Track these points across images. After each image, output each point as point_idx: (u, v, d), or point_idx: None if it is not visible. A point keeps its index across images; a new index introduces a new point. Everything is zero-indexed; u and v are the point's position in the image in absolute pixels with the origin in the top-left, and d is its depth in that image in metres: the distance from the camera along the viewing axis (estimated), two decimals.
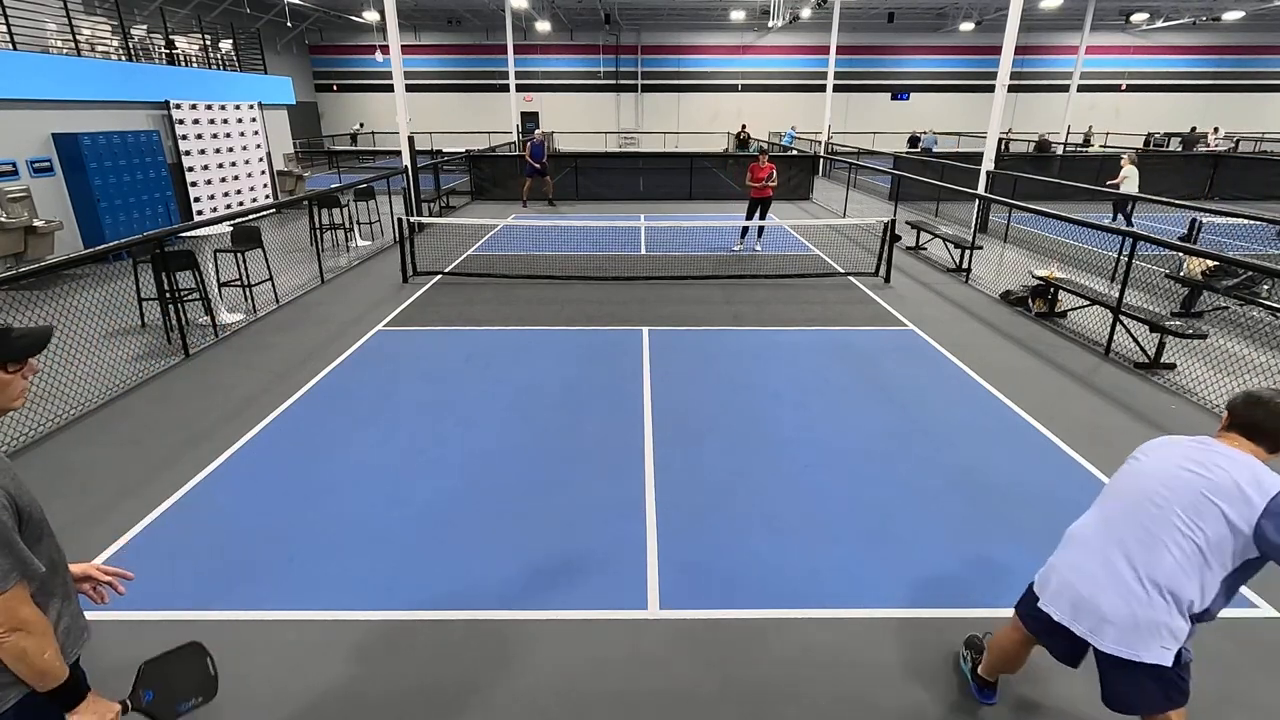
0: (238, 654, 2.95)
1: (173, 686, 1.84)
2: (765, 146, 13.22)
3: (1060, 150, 15.69)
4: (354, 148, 30.93)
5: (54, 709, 1.60)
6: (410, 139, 12.79)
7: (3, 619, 1.44)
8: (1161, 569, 1.93)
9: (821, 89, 24.70)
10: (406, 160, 12.84)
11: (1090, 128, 30.29)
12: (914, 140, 27.02)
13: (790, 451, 4.72)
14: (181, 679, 1.87)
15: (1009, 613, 3.22)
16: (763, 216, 11.14)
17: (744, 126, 28.60)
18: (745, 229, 11.43)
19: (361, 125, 33.36)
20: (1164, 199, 11.32)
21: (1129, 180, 12.29)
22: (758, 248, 11.49)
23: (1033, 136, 27.29)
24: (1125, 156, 12.81)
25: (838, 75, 24.46)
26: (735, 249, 11.44)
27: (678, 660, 2.93)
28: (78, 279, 9.22)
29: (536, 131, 17.58)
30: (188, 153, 12.32)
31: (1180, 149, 24.24)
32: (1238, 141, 25.01)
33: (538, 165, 15.85)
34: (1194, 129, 26.93)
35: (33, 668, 1.51)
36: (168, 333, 6.91)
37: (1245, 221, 12.01)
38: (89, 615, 1.87)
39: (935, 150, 23.59)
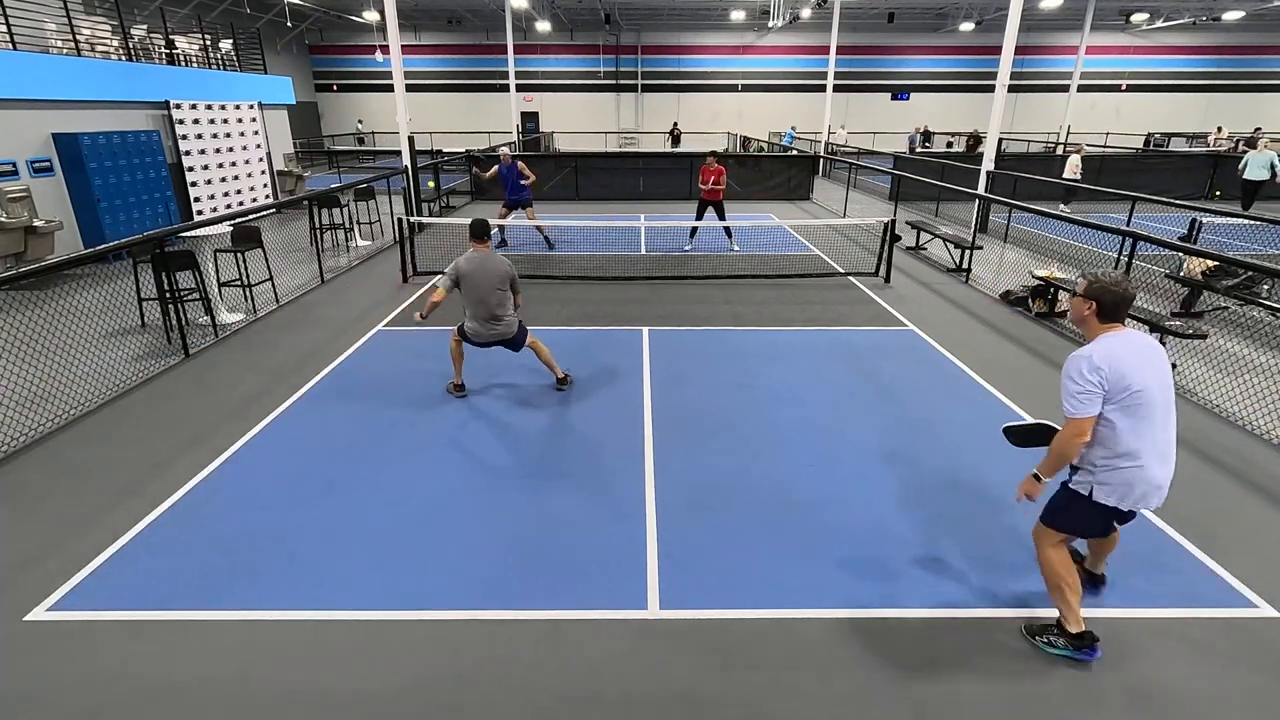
0: (237, 654, 2.95)
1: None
2: (717, 150, 12.92)
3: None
4: (359, 148, 31.00)
5: None
6: (410, 139, 12.79)
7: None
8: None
9: (821, 89, 24.69)
10: (406, 160, 12.84)
11: (1068, 129, 30.02)
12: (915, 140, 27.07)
13: (790, 451, 4.72)
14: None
15: (1009, 613, 3.22)
16: (721, 217, 11.08)
17: (675, 124, 31.61)
18: (694, 229, 11.49)
19: (361, 123, 33.41)
20: (1164, 199, 11.33)
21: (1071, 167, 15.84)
22: (735, 248, 11.46)
23: (1037, 136, 27.21)
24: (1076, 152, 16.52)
25: (838, 75, 24.45)
26: (685, 249, 11.41)
27: (678, 660, 2.93)
28: (78, 279, 9.21)
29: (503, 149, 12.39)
30: (188, 153, 12.32)
31: (1244, 149, 22.63)
32: (1238, 142, 24.97)
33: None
34: (1258, 129, 24.54)
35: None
36: (168, 333, 6.91)
37: (1245, 221, 12.02)
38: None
39: (917, 149, 23.51)
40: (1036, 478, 2.85)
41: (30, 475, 4.38)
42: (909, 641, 3.04)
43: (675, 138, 30.83)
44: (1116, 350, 2.65)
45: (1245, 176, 14.86)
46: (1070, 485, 2.88)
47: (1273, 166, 14.51)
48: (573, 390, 5.73)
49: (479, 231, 5.24)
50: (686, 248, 11.44)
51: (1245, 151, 16.05)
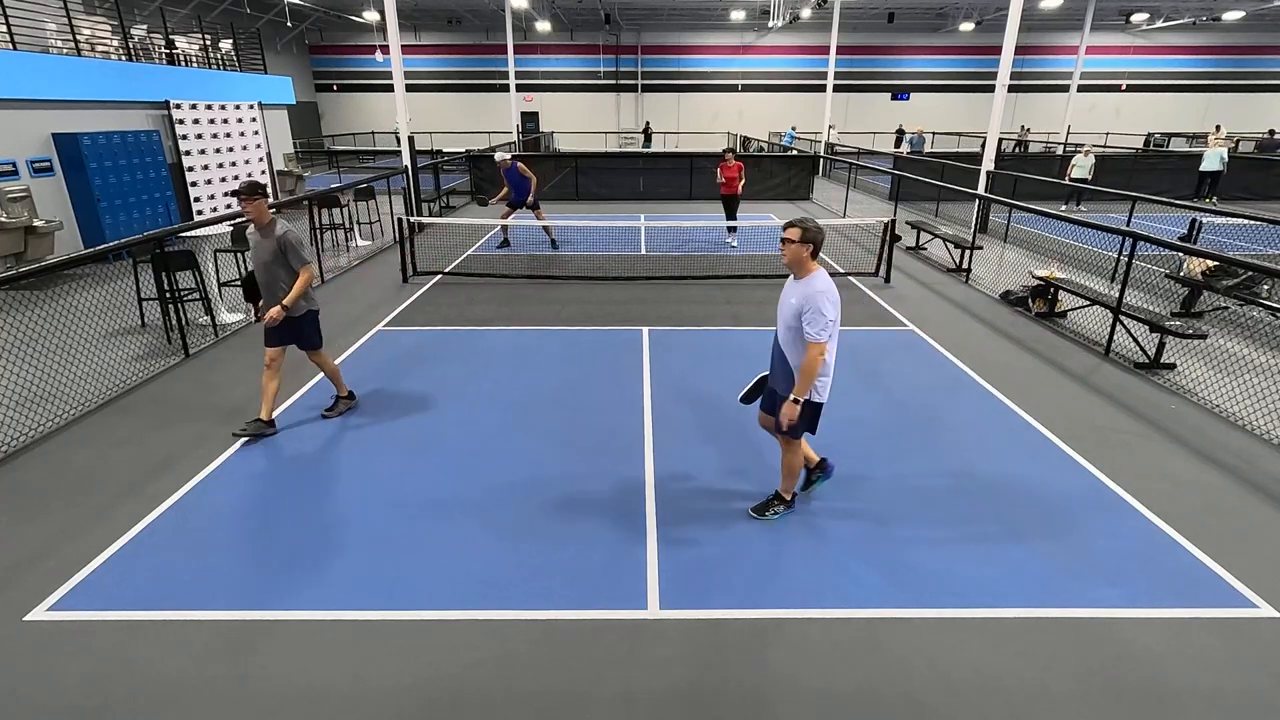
0: (236, 653, 2.95)
1: None
2: (731, 147, 13.38)
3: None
4: (396, 147, 30.91)
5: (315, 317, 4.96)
6: (410, 139, 12.79)
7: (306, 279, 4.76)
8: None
9: (821, 89, 24.71)
10: (406, 160, 12.84)
11: (1023, 128, 30.00)
12: (902, 135, 27.05)
13: None
14: None
15: (1009, 613, 3.22)
16: (732, 215, 11.11)
17: (648, 124, 32.26)
18: (732, 226, 11.58)
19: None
20: (1164, 199, 11.32)
21: (1079, 168, 15.92)
22: (732, 244, 11.61)
23: (1037, 136, 27.15)
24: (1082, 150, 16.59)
25: (838, 75, 24.45)
26: (730, 244, 11.66)
27: (678, 660, 2.93)
28: (78, 279, 9.21)
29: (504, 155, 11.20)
30: (188, 152, 12.32)
31: (1257, 151, 23.27)
32: (1238, 141, 24.96)
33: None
34: (1272, 131, 24.88)
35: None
36: (168, 333, 6.91)
37: (1245, 222, 12.02)
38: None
39: (921, 150, 23.50)
40: (795, 401, 3.41)
41: (30, 475, 4.38)
42: (908, 642, 3.03)
43: (647, 137, 31.09)
44: (833, 285, 3.39)
45: (1201, 168, 16.58)
46: (811, 400, 3.51)
47: (1223, 159, 16.29)
48: (573, 391, 5.73)
49: (247, 190, 4.55)
50: (731, 243, 11.71)
51: (1203, 148, 17.73)
